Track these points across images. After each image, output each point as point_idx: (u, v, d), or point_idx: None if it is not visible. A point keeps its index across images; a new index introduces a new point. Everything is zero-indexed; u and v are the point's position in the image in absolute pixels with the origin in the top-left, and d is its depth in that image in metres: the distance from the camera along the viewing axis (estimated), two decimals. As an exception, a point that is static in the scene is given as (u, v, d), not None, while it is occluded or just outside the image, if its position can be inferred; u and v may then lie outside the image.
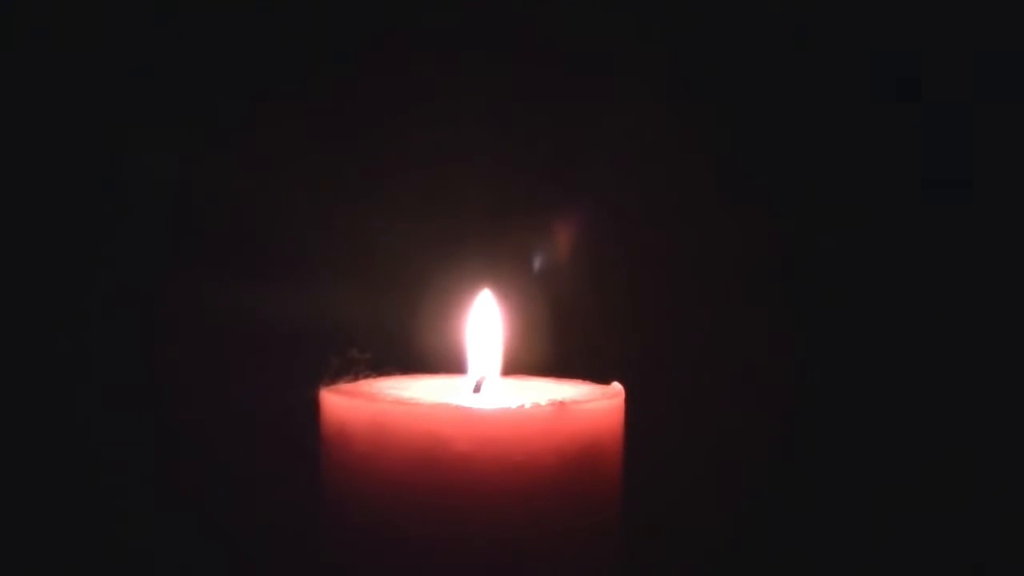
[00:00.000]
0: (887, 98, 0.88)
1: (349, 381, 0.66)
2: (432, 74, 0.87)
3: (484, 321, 0.69)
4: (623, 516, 0.65)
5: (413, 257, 0.86)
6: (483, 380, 0.68)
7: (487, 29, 0.87)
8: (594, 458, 0.63)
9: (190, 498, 0.85)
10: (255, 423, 0.83)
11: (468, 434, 0.60)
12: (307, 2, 0.86)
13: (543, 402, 0.62)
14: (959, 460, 0.87)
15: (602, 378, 0.67)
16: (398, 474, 0.61)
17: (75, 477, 0.85)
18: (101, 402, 0.85)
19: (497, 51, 0.87)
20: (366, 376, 0.67)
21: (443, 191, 0.87)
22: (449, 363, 0.70)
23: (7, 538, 0.84)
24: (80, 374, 0.85)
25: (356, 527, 0.62)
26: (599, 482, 0.63)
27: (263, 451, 0.83)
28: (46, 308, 0.85)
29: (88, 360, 0.85)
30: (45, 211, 0.85)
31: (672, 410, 0.85)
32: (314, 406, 0.65)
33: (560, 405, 0.62)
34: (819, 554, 0.88)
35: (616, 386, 0.66)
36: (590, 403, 0.63)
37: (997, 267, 0.88)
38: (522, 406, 0.61)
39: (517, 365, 0.70)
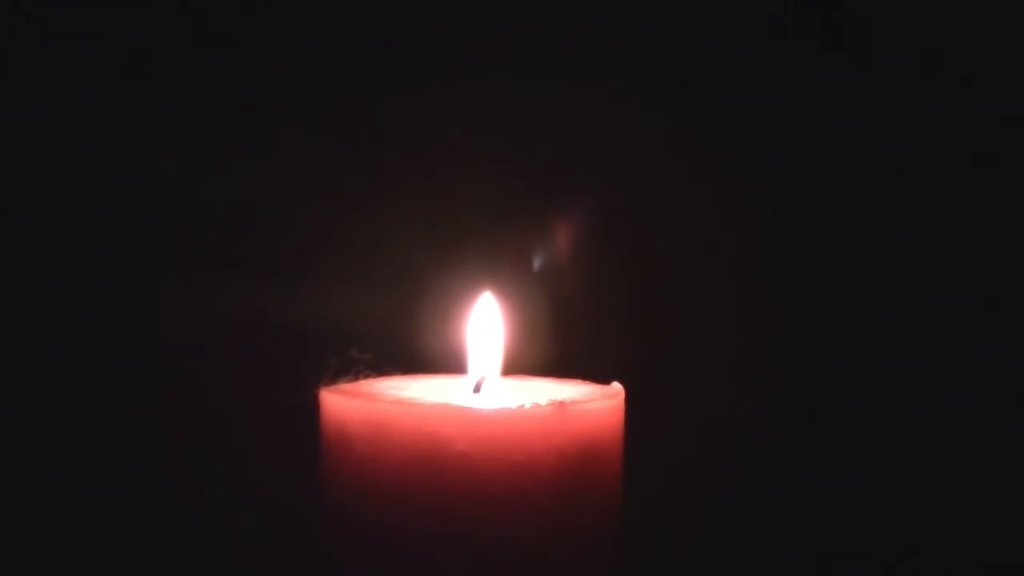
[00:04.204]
0: (887, 96, 0.88)
1: (349, 381, 0.66)
2: (433, 76, 0.87)
3: (484, 321, 0.69)
4: (623, 516, 0.65)
5: (413, 257, 0.86)
6: (483, 380, 0.68)
7: (487, 30, 0.87)
8: (594, 458, 0.63)
9: (190, 498, 0.85)
10: (255, 423, 0.83)
11: (468, 434, 0.60)
12: (310, 4, 0.86)
13: (543, 402, 0.62)
14: (959, 459, 0.87)
15: (602, 378, 0.67)
16: (398, 474, 0.61)
17: (74, 476, 0.85)
18: (101, 401, 0.85)
19: (497, 52, 0.87)
20: (366, 376, 0.67)
21: (443, 192, 0.87)
22: (449, 363, 0.71)
23: (8, 538, 0.84)
24: (80, 373, 0.85)
25: (356, 527, 0.62)
26: (599, 482, 0.63)
27: (263, 451, 0.83)
28: (47, 307, 0.85)
29: (88, 359, 0.85)
30: (49, 211, 0.85)
31: (672, 410, 0.85)
32: (314, 406, 0.65)
33: (560, 405, 0.62)
34: (819, 554, 0.88)
35: (616, 386, 0.66)
36: (590, 403, 0.63)
37: (997, 266, 0.88)
38: (522, 406, 0.61)
39: (517, 365, 0.70)
